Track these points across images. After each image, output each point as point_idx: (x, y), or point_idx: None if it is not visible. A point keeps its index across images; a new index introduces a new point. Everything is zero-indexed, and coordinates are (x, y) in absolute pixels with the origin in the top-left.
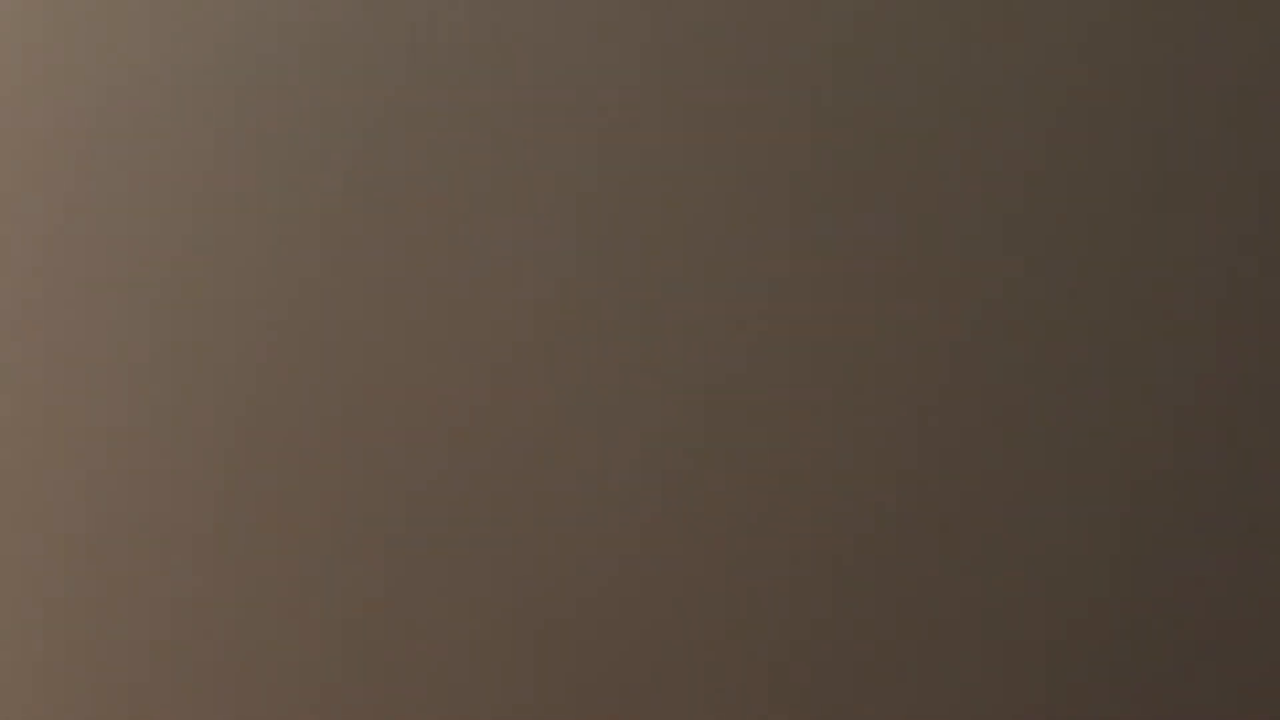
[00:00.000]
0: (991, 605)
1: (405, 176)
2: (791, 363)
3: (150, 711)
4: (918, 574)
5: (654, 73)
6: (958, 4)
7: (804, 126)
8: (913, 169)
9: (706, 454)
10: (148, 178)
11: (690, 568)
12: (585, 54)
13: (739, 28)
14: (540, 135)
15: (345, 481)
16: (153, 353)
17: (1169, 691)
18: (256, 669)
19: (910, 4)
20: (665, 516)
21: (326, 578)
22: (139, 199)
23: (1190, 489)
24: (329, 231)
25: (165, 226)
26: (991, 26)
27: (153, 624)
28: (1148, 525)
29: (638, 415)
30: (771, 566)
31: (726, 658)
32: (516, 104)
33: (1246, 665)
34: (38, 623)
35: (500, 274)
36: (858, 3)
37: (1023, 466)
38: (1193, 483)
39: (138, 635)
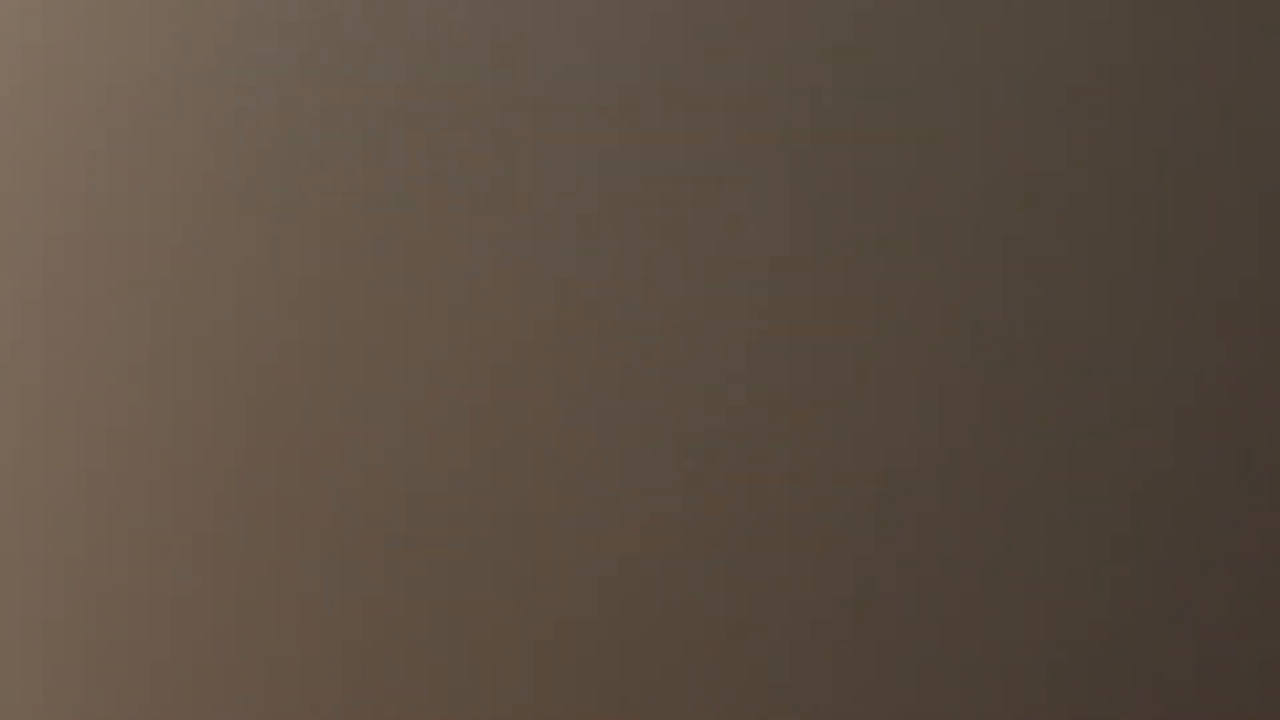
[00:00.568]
0: (992, 605)
1: (405, 176)
2: (792, 362)
3: (150, 712)
4: (918, 575)
5: (654, 73)
6: (958, 4)
7: (804, 126)
8: (913, 169)
9: (707, 454)
10: (148, 178)
11: (690, 568)
12: (585, 54)
13: (739, 28)
14: (540, 135)
15: (346, 481)
16: (153, 353)
17: (1169, 691)
18: (257, 669)
19: (910, 4)
20: (666, 516)
21: (327, 578)
22: (139, 199)
23: (1190, 489)
24: (329, 231)
25: (165, 226)
26: (991, 26)
27: (153, 624)
28: (1148, 525)
29: (638, 415)
30: (772, 567)
31: (727, 658)
32: (516, 104)
33: (1247, 665)
34: (38, 623)
35: (500, 274)
36: (858, 3)
37: (1023, 467)
38: (1193, 483)
39: (138, 636)
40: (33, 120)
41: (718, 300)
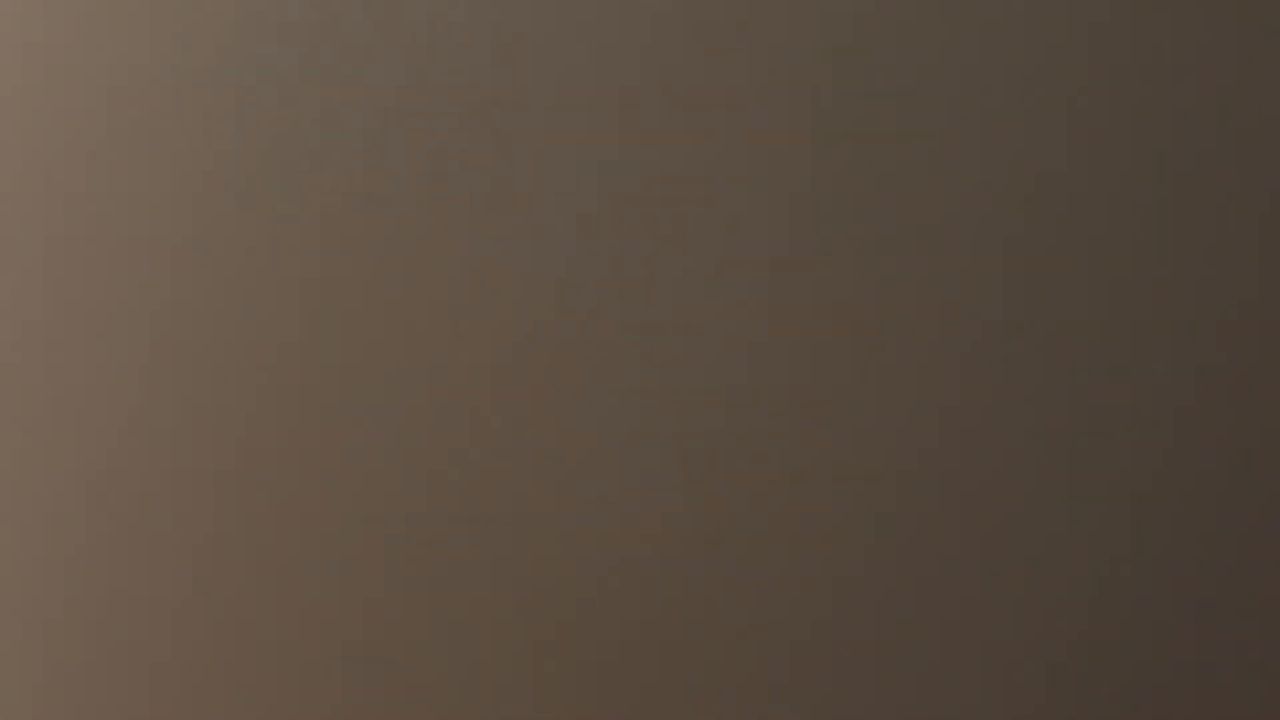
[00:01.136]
0: (992, 605)
1: (405, 176)
2: (792, 362)
3: (150, 712)
4: (918, 575)
5: (654, 73)
6: (958, 4)
7: (804, 127)
8: (913, 169)
9: (707, 454)
10: (148, 178)
11: (690, 568)
12: (585, 54)
13: (739, 28)
14: (540, 135)
15: (346, 481)
16: (153, 353)
17: (1169, 692)
18: (257, 669)
19: (910, 4)
20: (666, 516)
21: (327, 578)
22: (139, 199)
23: (1191, 489)
24: (329, 231)
25: (166, 226)
26: (992, 26)
27: (153, 624)
28: (1148, 525)
29: (638, 415)
30: (772, 567)
31: (727, 657)
32: (516, 104)
33: (1247, 665)
34: (38, 623)
35: (500, 274)
36: (858, 2)
37: (1023, 467)
38: (1193, 483)
39: (138, 636)
40: (33, 120)
41: (718, 300)
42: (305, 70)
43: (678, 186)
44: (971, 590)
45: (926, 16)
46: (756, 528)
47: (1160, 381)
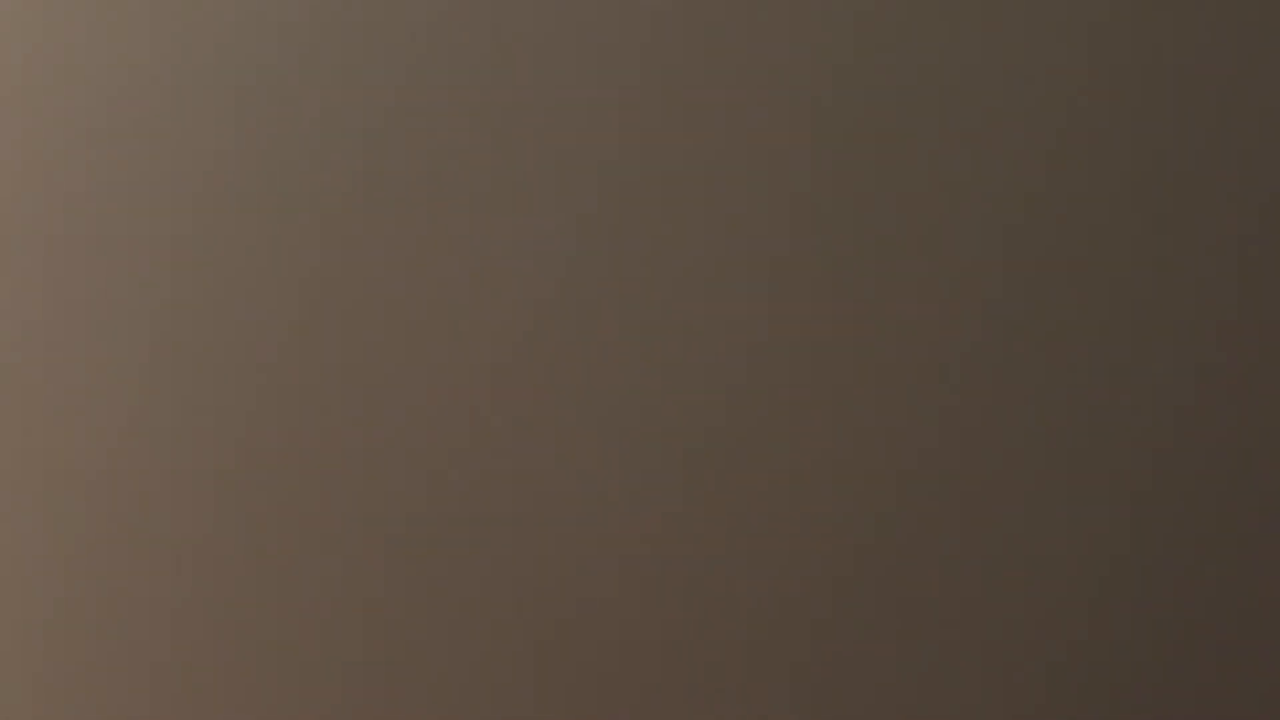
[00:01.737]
0: (992, 605)
1: (405, 176)
2: (792, 362)
3: (150, 712)
4: (918, 575)
5: (654, 73)
6: (958, 4)
7: (805, 127)
8: (913, 169)
9: (707, 454)
10: (148, 178)
11: (690, 568)
12: (585, 54)
13: (739, 28)
14: (540, 135)
15: (346, 481)
16: (153, 353)
17: (1169, 692)
18: (257, 669)
19: (910, 4)
20: (666, 516)
21: (327, 578)
22: (139, 199)
23: (1191, 489)
24: (329, 231)
25: (166, 226)
26: (992, 26)
27: (152, 624)
28: (1148, 525)
29: (638, 415)
30: (772, 566)
31: (727, 657)
32: (516, 104)
33: (1247, 665)
34: (38, 623)
35: (500, 274)
36: (858, 3)
37: (1023, 467)
38: (1193, 483)
39: (137, 636)
40: (33, 120)
41: (718, 300)
42: (305, 70)
43: (678, 186)
44: (971, 590)
45: (926, 17)
46: (756, 528)
47: (1160, 381)
